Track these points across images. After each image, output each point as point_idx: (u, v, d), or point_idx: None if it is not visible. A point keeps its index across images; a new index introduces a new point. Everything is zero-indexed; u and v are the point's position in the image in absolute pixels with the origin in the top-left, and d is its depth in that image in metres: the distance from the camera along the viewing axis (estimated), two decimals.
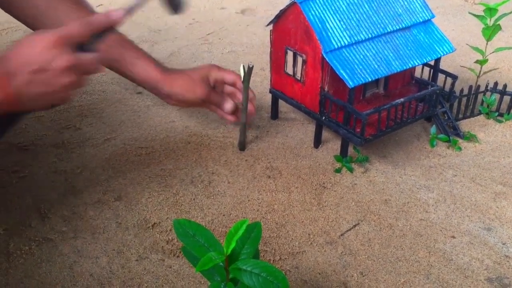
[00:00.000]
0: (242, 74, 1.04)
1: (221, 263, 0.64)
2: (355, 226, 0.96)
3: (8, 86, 0.74)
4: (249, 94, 1.08)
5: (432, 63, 1.18)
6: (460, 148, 1.16)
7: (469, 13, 1.32)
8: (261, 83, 1.44)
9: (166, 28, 1.81)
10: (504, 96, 1.27)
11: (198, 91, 1.07)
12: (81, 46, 0.78)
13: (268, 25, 1.14)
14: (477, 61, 1.29)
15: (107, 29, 0.82)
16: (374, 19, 1.07)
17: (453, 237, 0.93)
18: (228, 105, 1.10)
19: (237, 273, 0.62)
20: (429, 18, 1.14)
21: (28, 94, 0.75)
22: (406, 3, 1.11)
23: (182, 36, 1.75)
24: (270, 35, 1.15)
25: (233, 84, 1.12)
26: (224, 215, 0.98)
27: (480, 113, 1.27)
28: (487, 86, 1.26)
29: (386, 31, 1.08)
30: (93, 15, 0.81)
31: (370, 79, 1.02)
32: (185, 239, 0.65)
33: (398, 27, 1.09)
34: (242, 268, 0.62)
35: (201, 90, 1.07)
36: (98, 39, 0.81)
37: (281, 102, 1.26)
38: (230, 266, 0.63)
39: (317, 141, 1.17)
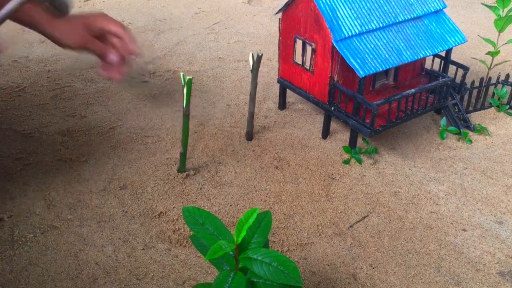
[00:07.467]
0: (251, 63, 1.02)
1: (231, 252, 0.63)
2: (364, 218, 0.94)
3: None
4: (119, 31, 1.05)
5: (443, 54, 1.16)
6: (470, 141, 1.14)
7: (482, 4, 1.30)
8: (268, 73, 1.42)
9: (172, 18, 1.79)
10: None
11: (76, 37, 1.05)
12: None
13: (277, 13, 1.12)
14: (488, 53, 1.27)
15: None
16: (385, 8, 1.05)
17: (464, 230, 0.92)
18: (112, 56, 1.07)
19: (247, 262, 0.61)
20: (441, 8, 1.12)
21: None
22: None
23: (188, 26, 1.73)
24: (279, 23, 1.13)
25: (118, 35, 1.10)
26: (231, 205, 0.97)
27: (490, 105, 1.25)
28: (498, 78, 1.24)
29: (397, 21, 1.06)
30: None
31: (381, 69, 1.01)
32: (194, 227, 0.64)
33: (409, 17, 1.07)
34: (253, 257, 0.61)
35: (79, 36, 1.05)
36: None
37: (289, 92, 1.24)
38: (240, 255, 0.62)
39: (326, 132, 1.15)
